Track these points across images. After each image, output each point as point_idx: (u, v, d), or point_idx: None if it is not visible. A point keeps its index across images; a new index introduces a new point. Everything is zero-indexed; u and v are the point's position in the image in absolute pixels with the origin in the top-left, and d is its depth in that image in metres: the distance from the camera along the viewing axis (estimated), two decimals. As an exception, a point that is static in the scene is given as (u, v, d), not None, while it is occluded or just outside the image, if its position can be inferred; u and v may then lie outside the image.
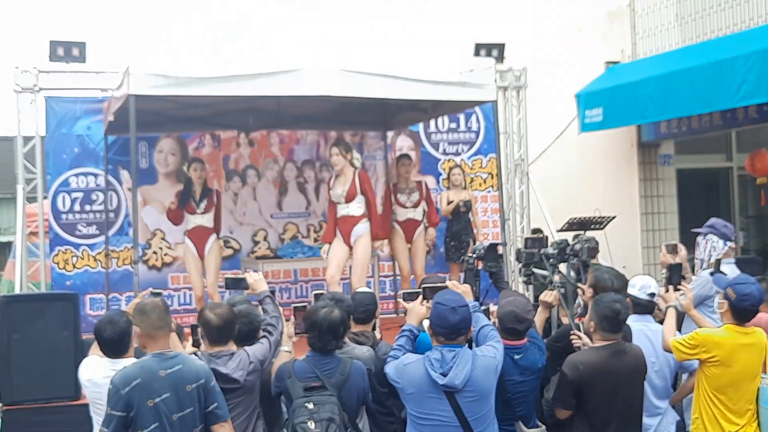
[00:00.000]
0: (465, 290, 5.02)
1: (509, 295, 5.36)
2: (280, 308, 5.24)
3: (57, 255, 9.49)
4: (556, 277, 6.15)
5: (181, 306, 9.66)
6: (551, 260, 6.24)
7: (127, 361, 4.81)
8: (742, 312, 5.03)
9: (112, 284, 9.57)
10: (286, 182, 10.33)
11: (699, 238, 6.78)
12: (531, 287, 8.28)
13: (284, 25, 10.95)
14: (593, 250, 6.24)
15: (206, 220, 8.90)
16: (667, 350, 5.13)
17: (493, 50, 9.78)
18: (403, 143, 10.74)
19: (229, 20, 10.89)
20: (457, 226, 9.92)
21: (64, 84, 9.22)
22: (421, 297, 4.96)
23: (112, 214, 9.66)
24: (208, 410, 4.40)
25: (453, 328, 4.35)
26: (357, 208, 8.33)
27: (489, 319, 5.01)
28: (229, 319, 4.79)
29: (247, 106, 9.07)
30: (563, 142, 12.02)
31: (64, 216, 9.54)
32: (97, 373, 4.74)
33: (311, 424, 4.47)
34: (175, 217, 9.05)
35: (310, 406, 4.53)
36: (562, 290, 6.02)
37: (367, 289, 6.22)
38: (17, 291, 9.00)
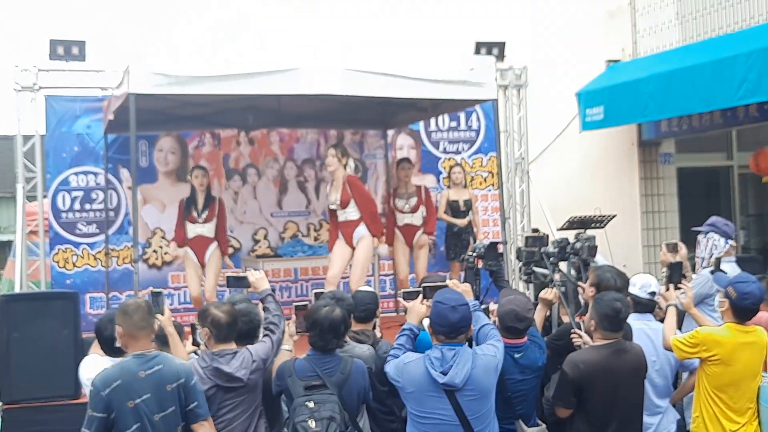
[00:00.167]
0: (465, 289, 5.02)
1: (509, 293, 5.36)
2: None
3: (57, 254, 9.49)
4: (557, 276, 6.15)
5: (181, 305, 9.65)
6: (552, 259, 6.24)
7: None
8: (742, 311, 5.02)
9: (112, 283, 9.57)
10: (286, 181, 10.33)
11: (700, 237, 6.78)
12: (531, 286, 8.28)
13: (284, 25, 10.94)
14: (594, 249, 6.24)
15: (207, 230, 8.90)
16: (668, 349, 5.13)
17: (494, 48, 9.77)
18: (404, 142, 10.74)
19: (229, 20, 10.87)
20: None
21: (64, 83, 9.22)
22: (421, 296, 4.95)
23: (112, 213, 9.66)
24: (188, 409, 4.41)
25: (453, 327, 4.35)
26: (354, 212, 8.39)
27: (489, 317, 5.01)
28: (235, 316, 4.81)
29: (248, 105, 9.07)
30: (564, 140, 12.01)
31: (64, 215, 9.54)
32: (97, 372, 4.73)
33: (312, 423, 4.47)
34: (178, 239, 9.08)
35: (311, 404, 4.53)
36: (563, 289, 6.02)
37: (368, 288, 6.22)
38: (17, 290, 8.99)
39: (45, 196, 9.41)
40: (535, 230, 10.10)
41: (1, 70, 9.39)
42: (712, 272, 6.10)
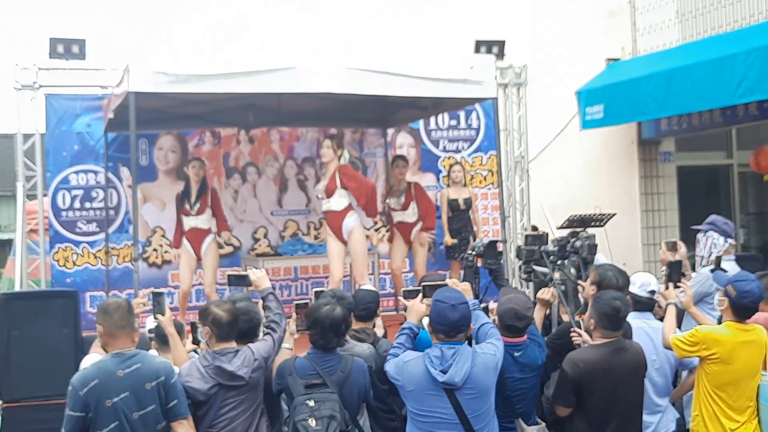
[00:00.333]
0: (465, 288, 5.02)
1: (509, 292, 5.36)
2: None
3: (57, 252, 9.50)
4: (557, 275, 6.15)
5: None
6: (551, 257, 6.24)
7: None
8: (742, 309, 5.02)
9: (113, 282, 9.58)
10: (286, 179, 10.34)
11: (699, 235, 6.79)
12: (531, 284, 8.29)
13: (284, 25, 10.94)
14: (594, 248, 6.25)
15: (201, 222, 8.90)
16: (668, 347, 5.13)
17: (494, 47, 9.77)
18: (404, 140, 10.74)
19: (229, 20, 10.88)
20: (458, 223, 9.92)
21: (64, 81, 9.21)
22: (420, 295, 4.96)
23: (112, 212, 9.66)
24: (168, 407, 4.42)
25: (453, 326, 4.35)
26: (338, 202, 8.38)
27: (488, 316, 5.01)
28: (236, 315, 4.81)
29: (248, 104, 9.08)
30: (564, 139, 12.01)
31: (64, 213, 9.54)
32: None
33: (312, 422, 4.48)
34: (176, 241, 9.12)
35: (311, 403, 4.54)
36: (563, 287, 6.02)
37: (370, 287, 6.23)
38: (17, 288, 8.99)
39: (45, 195, 9.41)
40: (534, 228, 10.16)
41: (2, 68, 9.40)
42: (712, 270, 6.11)
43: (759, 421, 5.08)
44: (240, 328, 4.90)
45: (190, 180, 8.93)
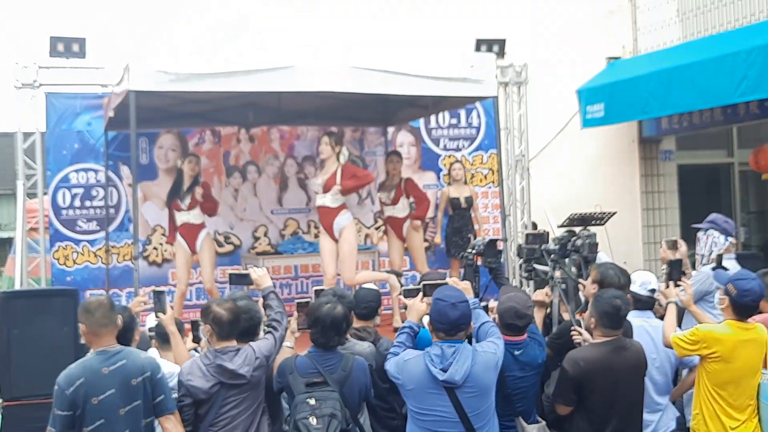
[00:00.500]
0: (465, 287, 5.03)
1: (509, 291, 5.36)
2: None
3: (57, 251, 9.49)
4: (557, 273, 6.15)
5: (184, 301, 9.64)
6: (552, 256, 6.24)
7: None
8: (742, 308, 5.03)
9: (113, 280, 9.57)
10: (286, 178, 10.33)
11: (699, 234, 6.79)
12: (532, 283, 8.28)
13: (284, 25, 10.93)
14: (594, 246, 6.24)
15: (193, 217, 8.88)
16: (668, 346, 5.13)
17: (494, 46, 9.77)
18: (404, 139, 10.74)
19: (229, 20, 10.87)
20: (459, 221, 9.92)
21: (64, 80, 9.19)
22: (421, 294, 4.96)
23: (112, 210, 9.65)
24: (155, 402, 4.46)
25: (453, 324, 4.35)
26: (333, 200, 8.39)
27: (488, 315, 5.01)
28: (237, 313, 4.82)
29: (248, 102, 9.07)
30: (564, 137, 12.01)
31: (64, 212, 9.54)
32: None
33: (313, 420, 4.48)
34: (172, 238, 9.13)
35: (312, 401, 4.54)
36: (563, 286, 6.02)
37: (372, 286, 6.22)
38: (17, 287, 8.99)
39: (45, 193, 9.40)
40: (534, 225, 10.16)
41: (2, 67, 9.38)
42: (713, 269, 6.11)
43: (759, 420, 5.08)
44: (241, 326, 4.90)
45: (183, 175, 8.91)
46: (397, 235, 9.29)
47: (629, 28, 12.43)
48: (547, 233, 6.69)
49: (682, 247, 6.65)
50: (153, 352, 5.47)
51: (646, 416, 5.04)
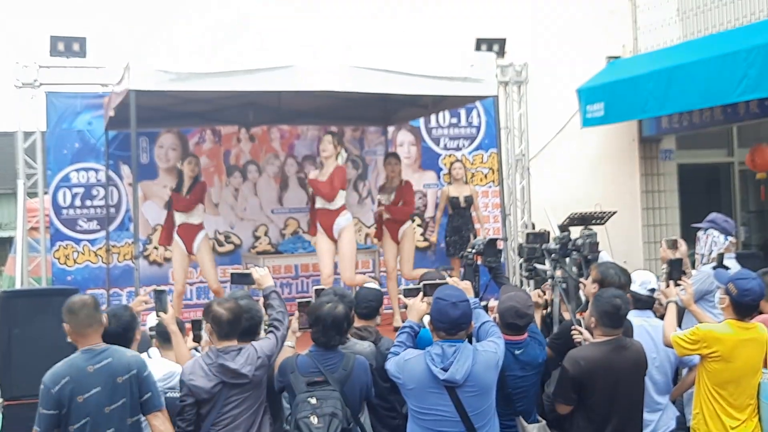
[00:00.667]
0: (466, 287, 5.03)
1: (509, 290, 5.36)
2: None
3: (58, 250, 9.50)
4: (558, 272, 6.15)
5: (183, 301, 9.64)
6: (553, 255, 6.24)
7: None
8: (743, 307, 5.02)
9: (113, 279, 9.59)
10: (286, 177, 10.33)
11: (699, 233, 6.79)
12: (532, 283, 8.28)
13: (284, 25, 10.93)
14: (595, 245, 6.25)
15: (191, 217, 8.84)
16: (668, 346, 5.13)
17: (494, 45, 9.77)
18: (404, 138, 10.74)
19: (229, 20, 10.86)
20: (458, 221, 9.91)
21: (65, 79, 9.21)
22: (421, 293, 4.96)
23: (112, 210, 9.66)
24: (142, 400, 4.46)
25: (454, 323, 4.35)
26: (334, 201, 8.37)
27: (488, 314, 5.01)
28: (238, 313, 4.81)
29: (248, 102, 9.08)
30: (564, 137, 12.01)
31: (64, 211, 9.55)
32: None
33: (314, 419, 4.48)
34: (162, 240, 9.13)
35: (313, 401, 4.54)
36: (564, 285, 6.03)
37: (374, 285, 6.22)
38: (18, 286, 8.99)
39: (46, 193, 9.41)
40: (532, 226, 10.16)
41: (2, 66, 9.39)
42: (714, 268, 6.11)
43: (759, 419, 5.08)
44: (242, 326, 4.90)
45: (184, 176, 8.91)
46: (392, 237, 9.23)
47: (629, 27, 12.44)
48: (548, 232, 6.69)
49: (682, 246, 6.65)
50: (154, 352, 5.47)
51: (646, 416, 5.04)
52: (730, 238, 6.65)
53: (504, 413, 4.79)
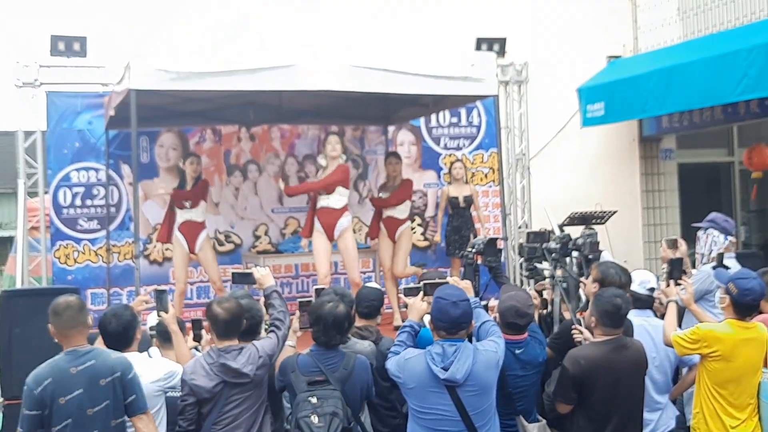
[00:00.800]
0: (466, 286, 5.03)
1: (510, 289, 5.37)
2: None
3: (58, 250, 9.51)
4: (559, 272, 6.15)
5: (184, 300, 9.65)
6: (553, 255, 6.24)
7: (130, 356, 4.83)
8: (743, 307, 5.03)
9: (114, 279, 9.59)
10: (287, 177, 10.32)
11: (700, 233, 6.79)
12: (533, 282, 8.28)
13: (284, 24, 10.92)
14: (596, 245, 6.25)
15: (195, 215, 8.85)
16: (669, 345, 5.13)
17: (495, 45, 9.77)
18: (405, 138, 10.74)
19: (229, 20, 10.86)
20: (458, 220, 9.91)
21: (65, 78, 9.23)
22: (421, 293, 4.96)
23: (113, 209, 9.67)
24: (126, 402, 4.44)
25: (454, 322, 4.36)
26: (338, 200, 8.39)
27: (489, 314, 5.01)
28: (237, 313, 4.80)
29: (248, 101, 9.08)
30: (565, 136, 12.00)
31: (65, 210, 9.55)
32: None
33: (314, 419, 4.48)
34: (162, 237, 9.09)
35: (314, 400, 4.54)
36: (564, 285, 6.03)
37: (375, 285, 6.22)
38: (18, 286, 9.00)
39: (46, 192, 9.42)
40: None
41: (3, 66, 9.41)
42: (714, 268, 6.11)
43: (759, 419, 5.08)
44: (241, 326, 4.90)
45: (186, 175, 8.90)
46: (389, 236, 9.23)
47: (630, 26, 12.43)
48: (549, 232, 6.69)
49: (683, 246, 6.66)
50: (154, 351, 5.48)
51: (645, 415, 5.04)
52: (730, 238, 6.65)
53: (504, 412, 4.80)
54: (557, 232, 7.63)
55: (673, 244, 6.62)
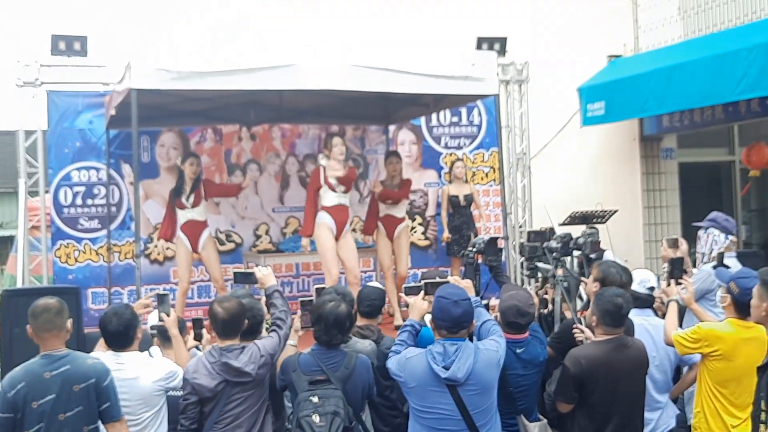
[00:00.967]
0: (467, 285, 5.03)
1: (510, 289, 5.37)
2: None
3: (59, 249, 9.50)
4: (560, 271, 6.15)
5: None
6: (554, 254, 6.24)
7: (131, 355, 4.84)
8: (744, 306, 5.03)
9: (114, 278, 9.59)
10: (287, 176, 10.33)
11: (700, 232, 6.79)
12: (533, 281, 8.28)
13: (284, 24, 10.92)
14: (596, 244, 6.25)
15: (197, 214, 8.85)
16: (669, 344, 5.14)
17: (495, 44, 9.77)
18: (405, 137, 10.74)
19: (229, 20, 10.86)
20: (459, 219, 9.90)
21: (66, 78, 9.22)
22: (422, 292, 4.96)
23: (114, 208, 9.66)
24: (101, 409, 4.42)
25: (455, 321, 4.36)
26: (348, 198, 8.49)
27: (489, 313, 5.02)
28: (237, 312, 4.80)
29: (249, 100, 9.08)
30: (565, 136, 12.01)
31: (65, 210, 9.55)
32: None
33: (316, 418, 4.48)
34: (165, 234, 9.07)
35: (315, 399, 4.54)
36: (565, 284, 6.03)
37: (376, 284, 6.22)
38: (19, 285, 9.01)
39: (47, 192, 9.42)
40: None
41: (3, 65, 9.40)
42: (714, 267, 6.11)
43: None
44: (242, 325, 4.90)
45: (184, 176, 8.89)
46: (388, 234, 9.24)
47: (630, 26, 12.44)
48: (550, 231, 6.69)
49: (683, 245, 6.66)
50: (155, 350, 5.48)
51: (646, 414, 5.04)
52: (730, 237, 6.66)
53: (505, 412, 4.80)
54: (557, 231, 7.64)
55: (673, 244, 6.62)
